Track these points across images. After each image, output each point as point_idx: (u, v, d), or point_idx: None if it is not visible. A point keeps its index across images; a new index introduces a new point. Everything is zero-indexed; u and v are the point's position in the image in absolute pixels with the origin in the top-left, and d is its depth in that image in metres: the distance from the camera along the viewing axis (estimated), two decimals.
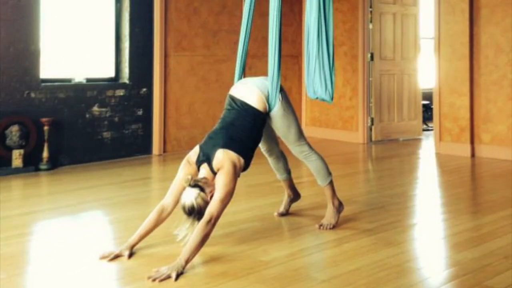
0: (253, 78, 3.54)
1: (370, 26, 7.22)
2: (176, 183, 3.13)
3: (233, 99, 3.35)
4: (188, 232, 2.93)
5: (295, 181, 3.98)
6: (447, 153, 6.26)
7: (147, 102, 6.25)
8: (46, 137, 5.34)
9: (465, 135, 6.18)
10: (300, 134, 3.51)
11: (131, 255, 3.00)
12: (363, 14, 7.18)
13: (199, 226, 2.86)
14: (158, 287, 2.63)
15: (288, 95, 3.61)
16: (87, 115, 5.78)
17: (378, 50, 7.29)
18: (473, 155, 6.10)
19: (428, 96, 8.71)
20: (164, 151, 6.32)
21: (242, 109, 3.28)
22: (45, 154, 5.34)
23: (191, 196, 2.93)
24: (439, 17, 6.41)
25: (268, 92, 3.37)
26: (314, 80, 3.46)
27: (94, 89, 5.86)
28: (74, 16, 5.95)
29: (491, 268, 2.84)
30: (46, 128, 5.35)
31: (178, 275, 2.71)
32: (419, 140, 7.43)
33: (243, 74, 3.67)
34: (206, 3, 6.72)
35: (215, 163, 3.06)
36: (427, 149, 6.74)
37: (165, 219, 3.11)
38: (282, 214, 3.83)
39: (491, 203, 4.18)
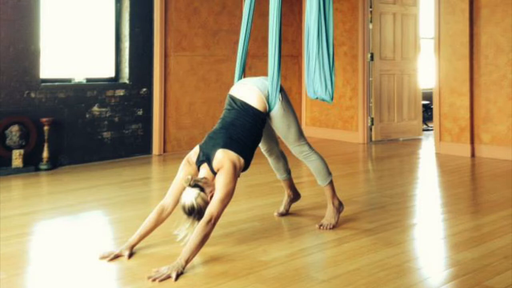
0: (253, 78, 3.54)
1: (370, 26, 7.23)
2: (176, 183, 3.13)
3: (233, 99, 3.35)
4: (188, 232, 2.93)
5: (295, 181, 3.98)
6: (447, 153, 6.26)
7: (147, 102, 6.25)
8: (46, 137, 5.34)
9: (465, 135, 6.19)
10: (300, 134, 3.51)
11: (131, 255, 3.00)
12: (363, 14, 7.18)
13: (199, 226, 2.86)
14: (158, 287, 2.63)
15: (288, 95, 3.61)
16: (87, 115, 5.78)
17: (378, 50, 7.29)
18: (473, 155, 6.11)
19: (428, 96, 8.72)
20: (164, 151, 6.32)
21: (242, 109, 3.28)
22: (45, 154, 5.34)
23: (191, 196, 2.93)
24: (439, 17, 6.41)
25: (268, 92, 3.37)
26: (314, 80, 3.46)
27: (94, 89, 5.86)
28: (74, 16, 5.95)
29: (491, 268, 2.84)
30: (46, 128, 5.35)
31: (178, 275, 2.72)
32: (419, 140, 7.43)
33: (243, 74, 3.67)
34: (206, 3, 6.72)
35: (215, 163, 3.06)
36: (427, 149, 6.74)
37: (165, 219, 3.11)
38: (282, 214, 3.83)
39: (491, 203, 4.18)
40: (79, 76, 5.86)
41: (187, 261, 2.79)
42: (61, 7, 5.85)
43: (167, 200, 3.12)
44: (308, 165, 3.60)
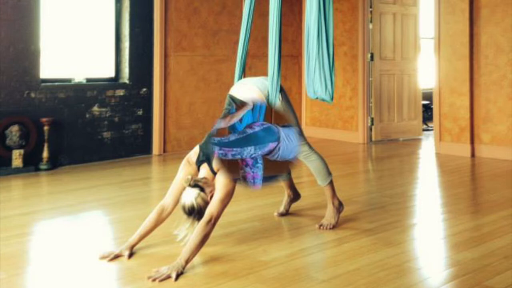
0: (253, 78, 3.54)
1: (370, 26, 7.22)
2: (176, 183, 3.13)
3: (233, 99, 3.35)
4: (188, 232, 2.93)
5: (295, 181, 3.98)
6: (447, 153, 6.26)
7: (147, 102, 6.25)
8: (46, 137, 5.34)
9: (465, 135, 6.19)
10: (300, 134, 3.51)
11: (131, 255, 3.01)
12: (363, 14, 7.18)
13: (199, 226, 2.86)
14: (158, 287, 2.64)
15: (288, 95, 3.61)
16: (87, 115, 5.78)
17: (378, 50, 7.29)
18: (473, 155, 6.11)
19: (428, 96, 8.72)
20: (164, 151, 6.32)
21: None
22: (45, 154, 5.34)
23: (191, 196, 2.93)
24: (439, 17, 6.41)
25: (268, 92, 3.37)
26: (314, 80, 3.46)
27: (94, 89, 5.86)
28: (74, 16, 5.95)
29: (491, 268, 2.84)
30: (46, 128, 5.35)
31: (178, 275, 2.72)
32: (419, 140, 7.43)
33: (243, 74, 3.67)
34: (206, 3, 6.72)
35: (215, 163, 3.05)
36: (427, 149, 6.73)
37: (165, 219, 3.11)
38: (282, 214, 3.83)
39: (491, 203, 4.18)
40: (79, 76, 5.86)
41: (187, 261, 2.79)
42: (61, 7, 5.85)
43: (167, 200, 3.12)
44: (308, 165, 3.60)
